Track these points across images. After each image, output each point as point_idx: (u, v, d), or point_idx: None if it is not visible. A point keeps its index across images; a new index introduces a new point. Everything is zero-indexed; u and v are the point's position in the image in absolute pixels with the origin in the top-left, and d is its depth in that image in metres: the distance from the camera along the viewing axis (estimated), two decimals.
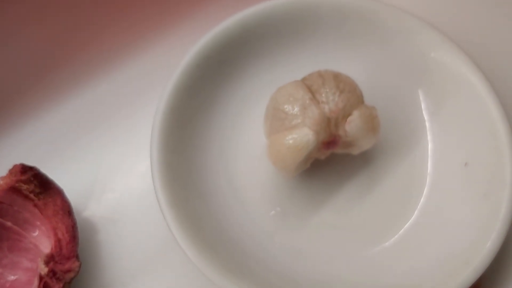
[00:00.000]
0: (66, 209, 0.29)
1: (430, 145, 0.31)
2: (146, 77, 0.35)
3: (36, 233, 0.29)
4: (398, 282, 0.27)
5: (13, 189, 0.28)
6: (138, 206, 0.32)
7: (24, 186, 0.28)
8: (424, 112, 0.31)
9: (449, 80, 0.30)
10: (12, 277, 0.29)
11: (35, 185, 0.29)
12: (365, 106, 0.28)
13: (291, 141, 0.27)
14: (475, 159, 0.29)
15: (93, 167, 0.33)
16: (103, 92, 0.35)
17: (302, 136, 0.26)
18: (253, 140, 0.32)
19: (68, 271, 0.28)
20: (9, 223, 0.29)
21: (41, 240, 0.29)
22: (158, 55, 0.36)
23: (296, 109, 0.27)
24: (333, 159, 0.31)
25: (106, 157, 0.33)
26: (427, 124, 0.31)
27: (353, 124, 0.27)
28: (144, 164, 0.32)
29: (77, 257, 0.28)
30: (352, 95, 0.27)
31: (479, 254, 0.26)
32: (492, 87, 0.29)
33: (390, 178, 0.31)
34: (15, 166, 0.29)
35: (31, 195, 0.29)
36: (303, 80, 0.28)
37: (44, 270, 0.27)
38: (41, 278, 0.27)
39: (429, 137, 0.31)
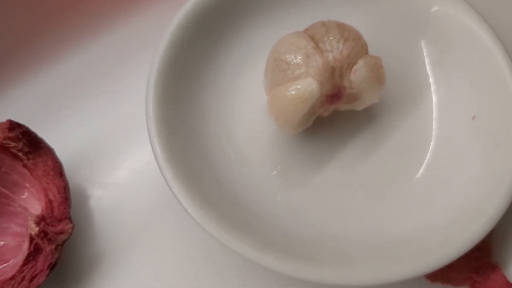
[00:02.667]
0: (57, 170, 0.27)
1: (435, 100, 0.30)
2: (138, 39, 0.34)
3: (25, 195, 0.28)
4: (408, 238, 0.26)
5: (1, 148, 0.27)
6: (134, 170, 0.31)
7: (12, 144, 0.27)
8: (428, 67, 0.30)
9: (454, 32, 0.29)
10: (0, 243, 0.28)
11: (24, 144, 0.27)
12: (370, 55, 0.27)
13: (293, 92, 0.25)
14: (483, 112, 0.28)
15: (85, 130, 0.32)
16: (95, 54, 0.34)
17: (305, 86, 0.25)
18: (253, 99, 0.31)
19: (61, 232, 0.26)
20: None
21: (31, 202, 0.28)
22: (150, 17, 0.35)
23: (299, 58, 0.26)
24: (336, 117, 0.30)
25: (100, 120, 0.32)
26: (432, 78, 0.30)
27: (358, 73, 0.26)
28: (140, 126, 0.31)
29: (69, 219, 0.27)
30: (356, 43, 0.26)
31: (492, 205, 0.25)
32: (498, 37, 0.28)
33: (395, 135, 0.29)
34: (2, 123, 0.27)
35: (20, 154, 0.27)
36: (305, 30, 0.27)
37: (34, 230, 0.25)
38: (31, 239, 0.25)
39: (433, 92, 0.30)
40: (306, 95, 0.25)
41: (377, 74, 0.26)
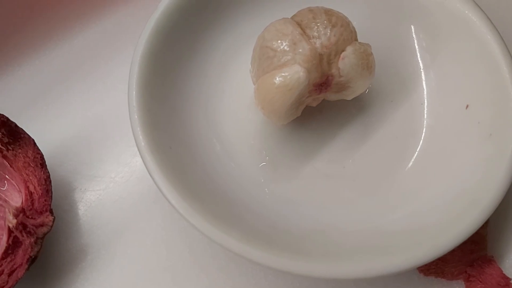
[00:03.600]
0: (38, 161, 0.27)
1: (426, 89, 0.29)
2: (124, 30, 0.34)
3: (5, 187, 0.27)
4: (399, 229, 0.25)
5: None
6: (119, 162, 0.30)
7: None
8: (419, 55, 0.29)
9: (445, 18, 0.28)
10: None
11: (3, 134, 0.26)
12: (359, 42, 0.26)
13: (280, 80, 0.25)
14: (477, 100, 0.27)
15: (69, 121, 0.31)
16: (79, 44, 0.33)
17: (292, 73, 0.24)
18: (240, 90, 0.30)
19: (41, 225, 0.25)
20: None
21: (11, 194, 0.27)
22: (136, 7, 0.34)
23: (285, 45, 0.25)
24: (326, 107, 0.29)
25: (84, 111, 0.31)
26: (423, 67, 0.29)
27: (347, 60, 0.25)
28: (126, 118, 0.30)
29: (51, 211, 0.26)
30: (345, 29, 0.25)
31: (486, 195, 0.24)
32: (491, 22, 0.27)
33: (386, 125, 0.29)
34: None
35: None
36: (293, 17, 0.26)
37: (12, 222, 0.24)
38: (10, 232, 0.25)
39: (425, 81, 0.29)
40: (293, 83, 0.24)
41: (367, 61, 0.25)
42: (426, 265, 0.27)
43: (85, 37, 0.33)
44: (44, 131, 0.29)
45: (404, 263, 0.23)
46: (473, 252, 0.27)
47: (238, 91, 0.30)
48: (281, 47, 0.25)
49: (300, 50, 0.25)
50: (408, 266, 0.23)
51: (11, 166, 0.27)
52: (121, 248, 0.28)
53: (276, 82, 0.25)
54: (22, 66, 0.32)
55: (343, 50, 0.25)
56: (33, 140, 0.27)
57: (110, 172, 0.30)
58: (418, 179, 0.27)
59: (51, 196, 0.26)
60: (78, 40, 0.33)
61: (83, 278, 0.27)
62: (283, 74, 0.25)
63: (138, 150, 0.25)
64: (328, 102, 0.28)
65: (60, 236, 0.28)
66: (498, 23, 0.27)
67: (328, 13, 0.26)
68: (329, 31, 0.25)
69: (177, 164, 0.26)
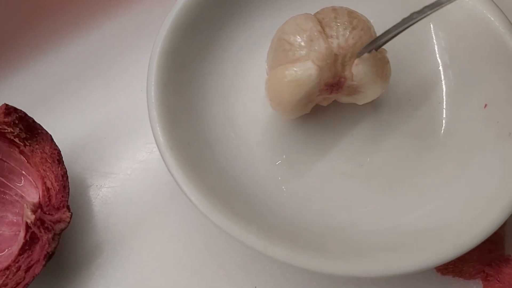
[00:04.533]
0: (55, 157, 0.26)
1: (445, 88, 0.29)
2: (140, 26, 0.33)
3: (21, 183, 0.27)
4: (419, 228, 0.25)
5: None
6: (135, 159, 0.30)
7: (8, 130, 0.26)
8: (438, 54, 0.29)
9: (463, 17, 0.28)
10: None
11: (20, 129, 0.26)
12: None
13: (291, 74, 0.24)
14: (496, 99, 0.27)
15: (86, 118, 0.31)
16: (96, 41, 0.33)
17: (304, 70, 0.24)
18: (256, 87, 0.30)
19: (58, 221, 0.25)
20: None
21: (28, 190, 0.27)
22: (152, 3, 0.34)
23: (302, 40, 0.25)
24: (342, 105, 0.29)
25: (101, 108, 0.31)
26: (442, 66, 0.29)
27: (360, 67, 0.25)
28: (142, 115, 0.30)
29: (68, 207, 0.26)
30: (365, 33, 0.25)
31: (506, 195, 0.24)
32: (510, 22, 0.27)
33: (404, 124, 0.29)
34: None
35: (16, 140, 0.26)
36: (315, 14, 0.26)
37: (30, 217, 0.24)
38: (27, 228, 0.24)
39: (444, 80, 0.29)
40: (303, 79, 0.24)
41: (382, 69, 0.25)
42: (444, 264, 0.27)
43: (101, 34, 0.33)
44: (59, 128, 0.29)
45: (425, 262, 0.23)
46: (491, 251, 0.27)
47: (254, 89, 0.30)
48: (298, 41, 0.25)
49: (316, 48, 0.24)
50: (429, 264, 0.23)
51: (28, 162, 0.26)
52: (137, 245, 0.28)
53: (287, 75, 0.25)
54: (37, 63, 0.32)
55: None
56: (51, 136, 0.27)
57: (125, 169, 0.29)
58: (437, 179, 0.27)
59: (68, 192, 0.26)
60: (94, 37, 0.33)
61: (99, 275, 0.27)
62: (294, 69, 0.24)
63: (157, 146, 0.25)
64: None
65: (76, 233, 0.28)
66: None
67: (351, 15, 0.26)
68: (348, 32, 0.25)
69: (196, 161, 0.25)
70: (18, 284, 0.24)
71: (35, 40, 0.32)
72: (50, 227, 0.25)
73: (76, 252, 0.28)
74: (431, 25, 0.29)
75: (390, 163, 0.28)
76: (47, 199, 0.26)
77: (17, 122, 0.26)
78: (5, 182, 0.27)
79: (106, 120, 0.31)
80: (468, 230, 0.23)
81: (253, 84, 0.30)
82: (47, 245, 0.25)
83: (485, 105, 0.27)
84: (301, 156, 0.28)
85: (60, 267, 0.27)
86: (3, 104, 0.26)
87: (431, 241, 0.24)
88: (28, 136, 0.26)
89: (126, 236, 0.28)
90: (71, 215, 0.25)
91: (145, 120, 0.27)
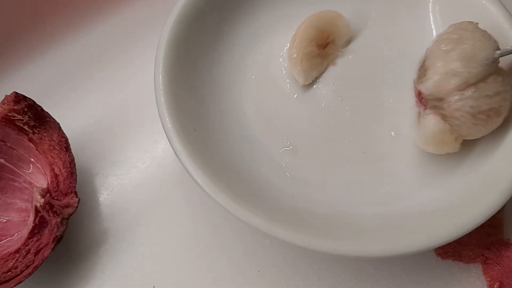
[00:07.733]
0: (63, 144, 0.27)
1: None
2: (141, 20, 0.35)
3: (30, 170, 0.27)
4: (419, 210, 0.26)
5: (6, 121, 0.27)
6: (141, 148, 0.30)
7: (18, 117, 0.26)
8: None
9: (464, 7, 0.29)
10: (4, 219, 0.27)
11: (29, 117, 0.27)
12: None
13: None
14: None
15: (93, 108, 0.32)
16: (103, 32, 0.34)
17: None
18: (262, 75, 0.31)
19: (66, 206, 0.26)
20: (1, 160, 0.27)
21: (36, 177, 0.27)
22: (154, 0, 0.34)
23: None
24: (346, 94, 0.29)
25: (108, 98, 0.32)
26: None
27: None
28: (149, 104, 0.30)
29: (75, 193, 0.26)
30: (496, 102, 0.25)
31: (506, 177, 0.24)
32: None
33: (405, 112, 0.29)
34: (7, 95, 0.27)
35: (26, 128, 0.27)
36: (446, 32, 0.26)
37: (40, 201, 0.25)
38: (36, 212, 0.25)
39: None
40: None
41: (437, 138, 0.26)
42: (443, 248, 0.28)
43: (106, 27, 0.34)
44: (67, 117, 0.30)
45: (425, 242, 0.23)
46: (490, 235, 0.27)
47: (260, 77, 0.30)
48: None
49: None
50: (430, 245, 0.23)
51: (36, 149, 0.27)
52: (142, 231, 0.28)
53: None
54: (46, 55, 0.33)
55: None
56: (58, 124, 0.27)
57: (131, 158, 0.30)
58: (438, 162, 0.27)
59: (76, 178, 0.27)
60: (99, 30, 0.34)
61: (106, 260, 0.28)
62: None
63: (165, 132, 0.25)
64: (349, 89, 0.29)
65: (84, 220, 0.28)
66: None
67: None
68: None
69: (202, 146, 0.26)
70: (27, 266, 0.25)
71: (43, 33, 0.33)
72: (58, 211, 0.25)
73: (84, 238, 0.28)
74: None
75: (392, 150, 0.28)
76: (55, 185, 0.26)
77: (26, 110, 0.27)
78: (15, 169, 0.27)
79: (113, 110, 0.31)
80: (468, 212, 0.24)
81: (258, 72, 0.31)
82: (55, 229, 0.25)
83: None
84: (305, 144, 0.29)
85: (68, 252, 0.28)
86: (12, 92, 0.26)
87: (431, 223, 0.24)
88: (36, 124, 0.27)
89: (132, 222, 0.28)
90: (79, 200, 0.26)
91: (151, 111, 0.28)
